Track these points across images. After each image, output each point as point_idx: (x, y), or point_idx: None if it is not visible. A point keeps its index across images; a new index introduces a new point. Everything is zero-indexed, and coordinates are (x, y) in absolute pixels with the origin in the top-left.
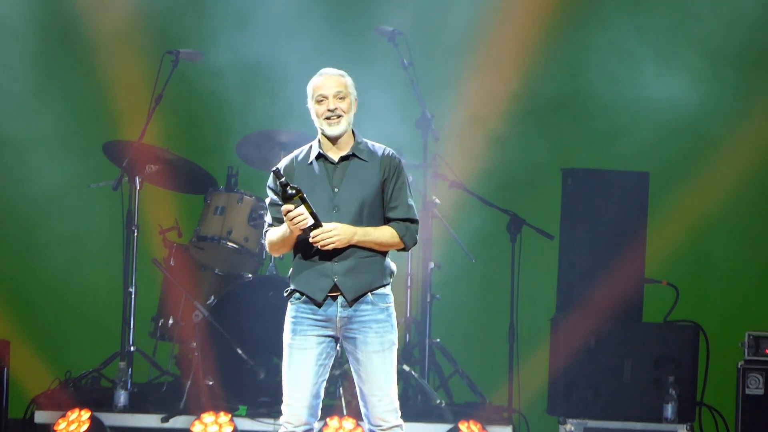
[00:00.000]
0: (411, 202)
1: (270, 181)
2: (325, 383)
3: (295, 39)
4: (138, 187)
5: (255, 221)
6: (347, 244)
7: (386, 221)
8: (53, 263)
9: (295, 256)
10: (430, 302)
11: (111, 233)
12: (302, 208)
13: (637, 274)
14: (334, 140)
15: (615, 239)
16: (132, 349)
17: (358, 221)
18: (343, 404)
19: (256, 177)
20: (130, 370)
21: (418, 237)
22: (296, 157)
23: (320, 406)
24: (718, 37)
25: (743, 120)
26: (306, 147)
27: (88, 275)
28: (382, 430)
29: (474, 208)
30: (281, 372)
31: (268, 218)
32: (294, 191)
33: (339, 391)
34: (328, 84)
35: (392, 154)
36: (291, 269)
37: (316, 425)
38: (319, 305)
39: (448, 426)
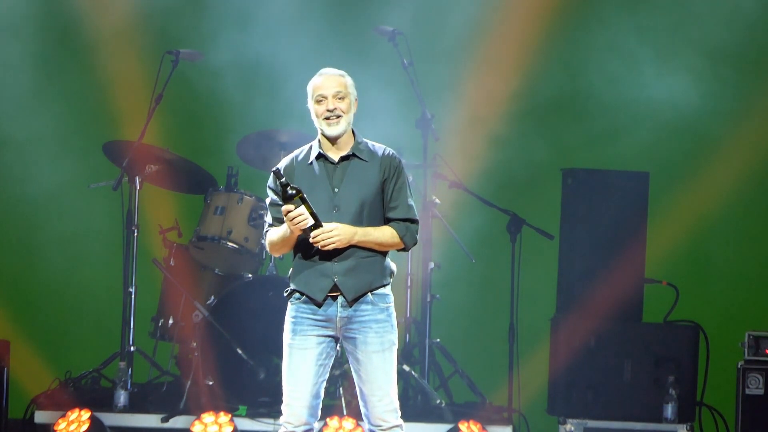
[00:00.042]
0: (411, 202)
1: (270, 182)
2: (325, 383)
3: (296, 39)
4: (138, 187)
5: (255, 221)
6: (347, 245)
7: (386, 221)
8: (53, 263)
9: (295, 256)
10: (430, 302)
11: (111, 233)
12: (302, 209)
13: (637, 274)
14: (333, 140)
15: (615, 239)
16: (132, 349)
17: (358, 221)
18: (343, 404)
19: (256, 177)
20: (130, 370)
21: (418, 237)
22: (296, 157)
23: (320, 406)
24: (718, 37)
25: (743, 120)
26: (306, 147)
27: (88, 275)
28: (382, 430)
29: (474, 208)
30: (281, 372)
31: (268, 218)
32: (294, 191)
33: (339, 391)
34: (328, 84)
35: (392, 154)
36: (291, 269)
37: (316, 425)
38: (319, 305)
39: (448, 426)
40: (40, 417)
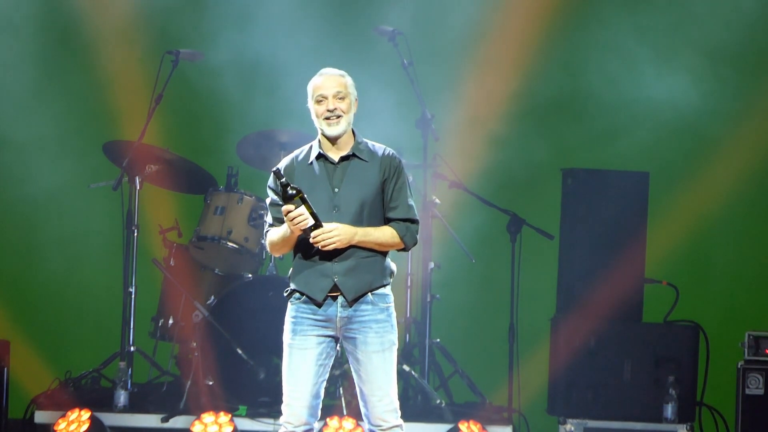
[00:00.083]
0: (411, 202)
1: (270, 182)
2: (325, 383)
3: (296, 39)
4: (138, 187)
5: (255, 221)
6: (348, 245)
7: (386, 221)
8: (53, 263)
9: (295, 256)
10: (430, 302)
11: (111, 233)
12: (303, 209)
13: (637, 274)
14: (334, 140)
15: (615, 239)
16: (132, 349)
17: (358, 221)
18: (343, 404)
19: (256, 177)
20: (130, 370)
21: (418, 237)
22: (296, 157)
23: (320, 406)
24: (717, 37)
25: (743, 120)
26: (306, 147)
27: (88, 275)
28: (382, 430)
29: (474, 208)
30: (281, 372)
31: (268, 218)
32: (294, 191)
33: (339, 391)
34: (328, 84)
35: (392, 154)
36: (291, 269)
37: (316, 425)
38: (319, 305)
39: (448, 426)
40: (40, 417)
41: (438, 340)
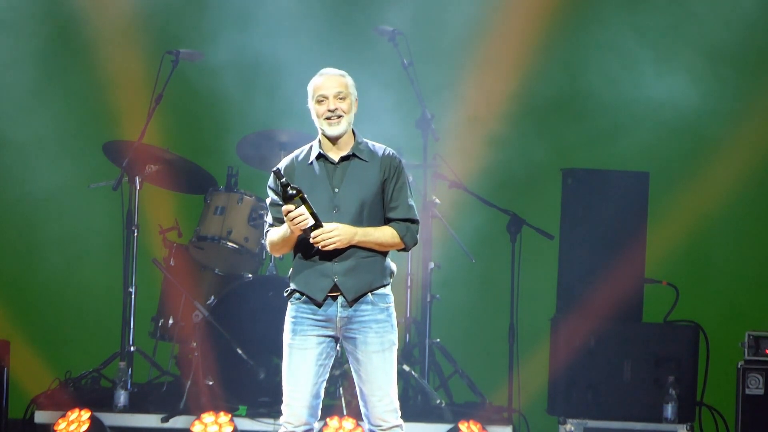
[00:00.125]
0: (411, 202)
1: (271, 182)
2: (325, 383)
3: (296, 39)
4: (138, 187)
5: (255, 221)
6: (348, 245)
7: (387, 221)
8: (53, 263)
9: (295, 256)
10: (430, 302)
11: (111, 233)
12: (303, 209)
13: (637, 274)
14: (334, 140)
15: (615, 239)
16: (132, 349)
17: (358, 221)
18: (343, 404)
19: (256, 177)
20: (130, 370)
21: (418, 237)
22: (296, 157)
23: (320, 406)
24: (717, 37)
25: (743, 120)
26: (306, 147)
27: (88, 275)
28: (382, 430)
29: (474, 208)
30: (281, 372)
31: (269, 218)
32: (294, 191)
33: (339, 391)
34: (329, 84)
35: (392, 154)
36: (291, 269)
37: (316, 425)
38: (319, 305)
39: (448, 426)
40: (40, 417)
41: (438, 340)
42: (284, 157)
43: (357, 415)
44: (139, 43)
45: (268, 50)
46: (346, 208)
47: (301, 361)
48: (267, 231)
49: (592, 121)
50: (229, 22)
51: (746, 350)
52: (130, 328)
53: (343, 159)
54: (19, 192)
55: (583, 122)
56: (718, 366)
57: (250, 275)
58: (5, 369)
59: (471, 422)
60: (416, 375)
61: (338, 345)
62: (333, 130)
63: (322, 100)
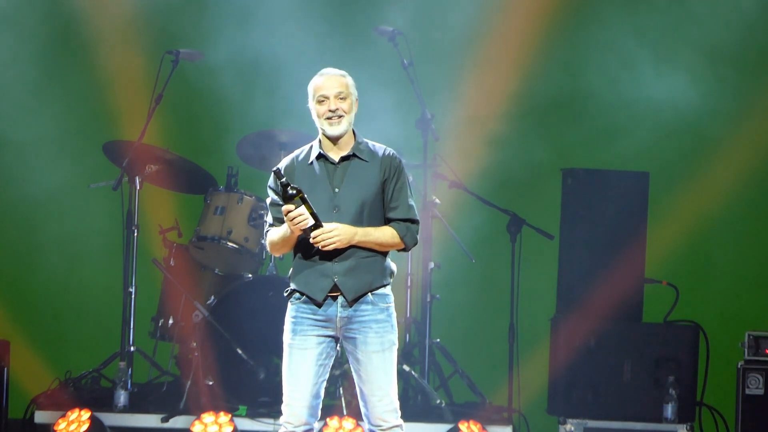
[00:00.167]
0: (411, 202)
1: (271, 181)
2: (325, 383)
3: (296, 39)
4: (138, 187)
5: (255, 221)
6: (348, 245)
7: (387, 221)
8: (53, 263)
9: (295, 256)
10: (430, 302)
11: (111, 233)
12: (303, 209)
13: (637, 274)
14: (334, 140)
15: (615, 239)
16: (132, 349)
17: (358, 221)
18: (343, 404)
19: (256, 177)
20: (130, 370)
21: (418, 237)
22: (297, 157)
23: (320, 406)
24: (717, 37)
25: (743, 120)
26: (306, 147)
27: (87, 275)
28: (382, 430)
29: (474, 208)
30: (281, 372)
31: (269, 218)
32: (294, 191)
33: (339, 391)
34: (329, 84)
35: (393, 154)
36: (291, 269)
37: (316, 425)
38: (319, 305)
39: (448, 426)
40: (40, 417)
41: (438, 340)
42: (284, 157)
43: (357, 415)
44: (139, 43)
45: (268, 50)
46: (347, 208)
47: (301, 361)
48: (267, 231)
49: (592, 121)
50: (229, 22)
51: (746, 350)
52: (130, 328)
53: (343, 159)
54: (19, 192)
55: (583, 122)
56: (718, 366)
57: (250, 275)
58: (5, 369)
59: (471, 422)
60: (416, 375)
61: (338, 345)
62: (333, 130)
63: (322, 100)
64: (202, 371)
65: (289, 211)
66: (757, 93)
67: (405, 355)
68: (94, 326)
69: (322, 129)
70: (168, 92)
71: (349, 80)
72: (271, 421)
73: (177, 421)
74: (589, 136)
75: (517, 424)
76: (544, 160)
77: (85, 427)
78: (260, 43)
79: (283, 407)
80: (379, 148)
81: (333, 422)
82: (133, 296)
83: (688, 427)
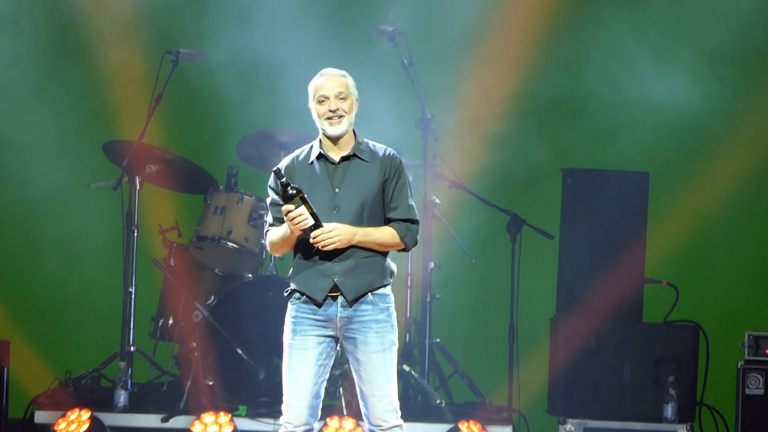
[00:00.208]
0: (412, 202)
1: (271, 181)
2: (325, 383)
3: (296, 39)
4: (138, 187)
5: (255, 221)
6: (348, 245)
7: (387, 221)
8: (53, 263)
9: (295, 256)
10: (430, 302)
11: (111, 233)
12: (303, 209)
13: (637, 274)
14: (335, 140)
15: (615, 239)
16: (132, 349)
17: (358, 221)
18: (343, 404)
19: (256, 177)
20: (130, 370)
21: (418, 237)
22: (297, 156)
23: (320, 406)
24: (717, 37)
25: (743, 120)
26: (307, 147)
27: (87, 275)
28: (382, 430)
29: (474, 208)
30: (281, 372)
31: (269, 218)
32: (294, 191)
33: (339, 391)
34: (330, 84)
35: (393, 154)
36: (291, 269)
37: (316, 425)
38: (319, 305)
39: (448, 426)
40: (40, 417)
41: (438, 340)
42: (284, 157)
43: (357, 415)
44: (139, 43)
45: (268, 50)
46: (347, 208)
47: (301, 361)
48: (267, 231)
49: (592, 121)
50: (229, 22)
51: (746, 350)
52: (130, 328)
53: (343, 159)
54: (19, 192)
55: (583, 122)
56: (718, 366)
57: (250, 275)
58: (5, 369)
59: (471, 422)
60: (416, 375)
61: (338, 345)
62: (334, 130)
63: (323, 101)
64: (202, 371)
65: (289, 211)
66: (757, 93)
67: (405, 355)
68: (94, 326)
69: (322, 129)
70: (168, 92)
71: (350, 80)
72: (271, 421)
73: (177, 421)
74: (589, 136)
75: (517, 424)
76: (544, 160)
77: (85, 427)
78: (260, 42)
79: (283, 407)
80: (380, 148)
81: (333, 422)
82: (133, 296)
83: (688, 427)
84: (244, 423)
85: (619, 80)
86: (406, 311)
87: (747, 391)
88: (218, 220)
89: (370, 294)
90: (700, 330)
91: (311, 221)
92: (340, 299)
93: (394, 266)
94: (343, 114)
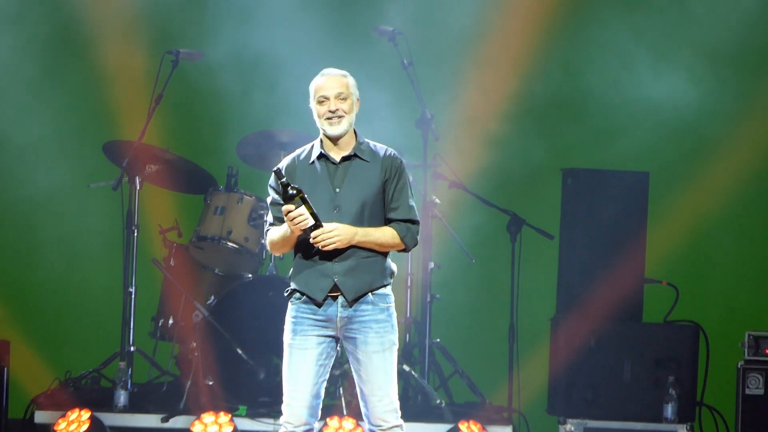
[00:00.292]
0: (412, 202)
1: (272, 180)
2: (325, 383)
3: (296, 39)
4: (138, 187)
5: (255, 221)
6: (348, 245)
7: (387, 222)
8: (53, 263)
9: (295, 256)
10: (430, 302)
11: (111, 233)
12: (303, 209)
13: (637, 274)
14: (335, 140)
15: (615, 239)
16: (132, 349)
17: (359, 222)
18: (343, 404)
19: (256, 177)
20: (130, 370)
21: (418, 238)
22: (298, 156)
23: (320, 406)
24: (717, 37)
25: (743, 120)
26: (308, 146)
27: (88, 275)
28: (382, 430)
29: (474, 208)
30: (281, 372)
31: (269, 217)
32: (295, 191)
33: (339, 391)
34: (330, 85)
35: (394, 154)
36: (291, 269)
37: (316, 425)
38: (319, 305)
39: (448, 426)
40: (40, 417)
41: (438, 340)
42: (284, 156)
43: (357, 415)
44: (139, 43)
45: (268, 50)
46: (347, 208)
47: (302, 361)
48: (267, 230)
49: (591, 121)
50: (229, 22)
51: (746, 350)
52: (130, 328)
53: (344, 159)
54: (19, 192)
55: (583, 122)
56: (718, 366)
57: (250, 275)
58: (5, 369)
59: (471, 422)
60: (416, 375)
61: (338, 345)
62: (334, 130)
63: (323, 101)
64: (202, 371)
65: (290, 211)
66: (757, 93)
67: (405, 355)
68: (94, 326)
69: (322, 129)
70: (168, 92)
71: (351, 80)
72: (271, 421)
73: (177, 421)
74: (589, 136)
75: (517, 424)
76: (544, 160)
77: (85, 427)
78: (260, 42)
79: (283, 407)
80: (381, 148)
81: (333, 422)
82: (133, 296)
83: (688, 427)
84: (244, 423)
85: (619, 80)
86: (406, 311)
87: (747, 391)
88: (218, 220)
89: (370, 294)
90: (700, 330)
91: (311, 221)
92: (340, 299)
93: (394, 266)
94: (343, 114)
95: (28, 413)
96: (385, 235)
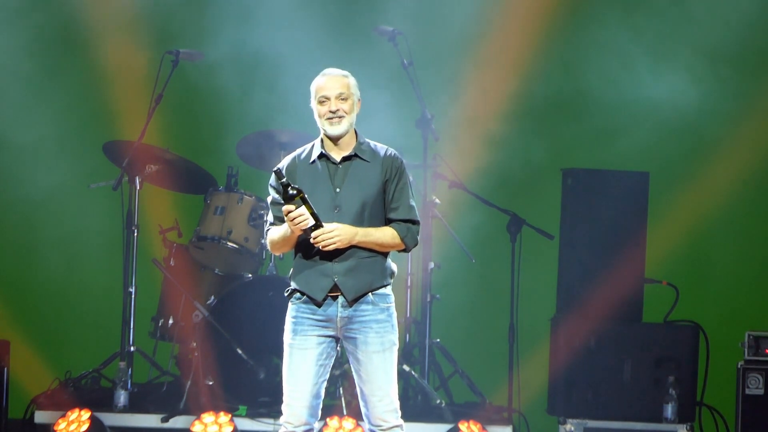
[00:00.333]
0: (412, 203)
1: (272, 180)
2: (325, 383)
3: (296, 39)
4: (138, 187)
5: (255, 221)
6: (348, 245)
7: (387, 222)
8: (53, 263)
9: (295, 256)
10: (430, 302)
11: (111, 233)
12: (303, 209)
13: (637, 274)
14: (335, 140)
15: (615, 239)
16: (132, 349)
17: (359, 222)
18: (343, 404)
19: (256, 177)
20: (130, 370)
21: (418, 238)
22: (298, 156)
23: (320, 406)
24: (716, 37)
25: (743, 120)
26: (308, 146)
27: (87, 275)
28: (382, 430)
29: (474, 208)
30: (281, 372)
31: (269, 217)
32: (295, 191)
33: (339, 391)
34: (331, 85)
35: (394, 154)
36: (291, 269)
37: (316, 425)
38: (319, 305)
39: (448, 426)
40: (40, 417)
41: (438, 340)
42: (284, 156)
43: (357, 415)
44: (139, 43)
45: (268, 50)
46: (348, 208)
47: (302, 361)
48: (268, 230)
49: (591, 121)
50: (229, 22)
51: (746, 350)
52: (130, 328)
53: (344, 159)
54: (19, 192)
55: (583, 122)
56: (718, 366)
57: (250, 275)
58: (5, 369)
59: (471, 422)
60: (416, 375)
61: (338, 345)
62: (334, 130)
63: (324, 101)
64: (202, 371)
65: (290, 212)
66: (757, 93)
67: (405, 355)
68: (94, 326)
69: (323, 129)
70: (168, 92)
71: (351, 80)
72: (271, 421)
73: (177, 421)
74: (589, 136)
75: (517, 424)
76: (544, 160)
77: (85, 427)
78: (260, 42)
79: (283, 407)
80: (381, 148)
81: (333, 422)
82: (133, 296)
83: (688, 427)
84: (244, 423)
85: (619, 80)
86: (406, 311)
87: (747, 391)
88: (218, 220)
89: (370, 294)
90: (700, 330)
91: (312, 221)
92: (341, 299)
93: (394, 266)
94: (344, 115)
95: (28, 413)
96: (386, 235)
